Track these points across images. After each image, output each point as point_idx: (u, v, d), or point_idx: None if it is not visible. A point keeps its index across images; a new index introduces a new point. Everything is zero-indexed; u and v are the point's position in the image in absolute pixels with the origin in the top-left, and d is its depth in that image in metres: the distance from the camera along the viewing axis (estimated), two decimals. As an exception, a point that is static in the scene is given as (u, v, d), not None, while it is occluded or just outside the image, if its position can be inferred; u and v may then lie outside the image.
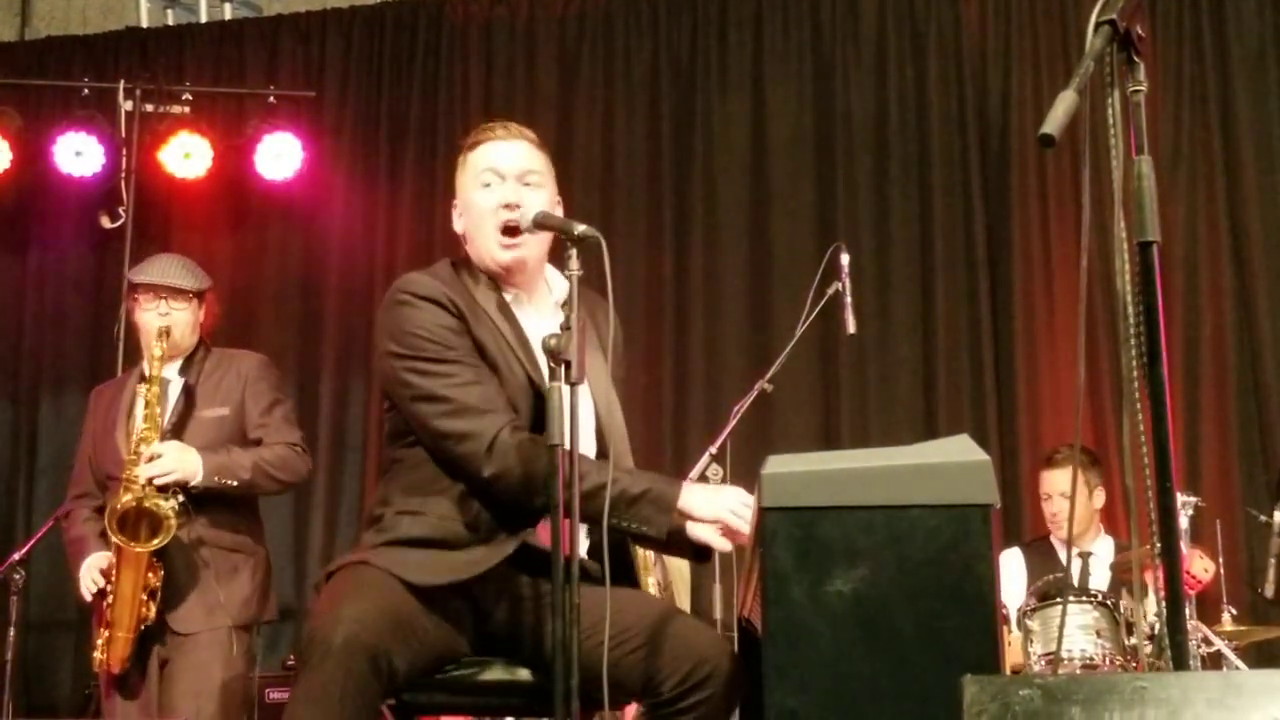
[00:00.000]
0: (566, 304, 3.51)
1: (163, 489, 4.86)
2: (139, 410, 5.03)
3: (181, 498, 4.90)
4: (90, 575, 5.01)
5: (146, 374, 5.04)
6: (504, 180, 3.48)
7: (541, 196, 3.50)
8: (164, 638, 4.96)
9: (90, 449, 5.26)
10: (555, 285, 3.59)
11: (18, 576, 6.54)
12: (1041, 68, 7.94)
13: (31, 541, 6.68)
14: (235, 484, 5.01)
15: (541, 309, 3.57)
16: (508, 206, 3.44)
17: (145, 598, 4.85)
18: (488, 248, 3.47)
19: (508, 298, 3.50)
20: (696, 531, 3.28)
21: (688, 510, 3.26)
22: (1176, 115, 7.77)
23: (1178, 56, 7.84)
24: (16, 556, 6.55)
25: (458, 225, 3.60)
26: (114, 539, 4.82)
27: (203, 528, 5.03)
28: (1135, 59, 2.69)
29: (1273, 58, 7.77)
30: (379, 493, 3.49)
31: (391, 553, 3.26)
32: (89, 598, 5.01)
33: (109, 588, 4.89)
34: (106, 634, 4.87)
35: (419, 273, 3.50)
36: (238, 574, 5.10)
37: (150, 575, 4.86)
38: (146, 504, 4.81)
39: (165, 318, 5.15)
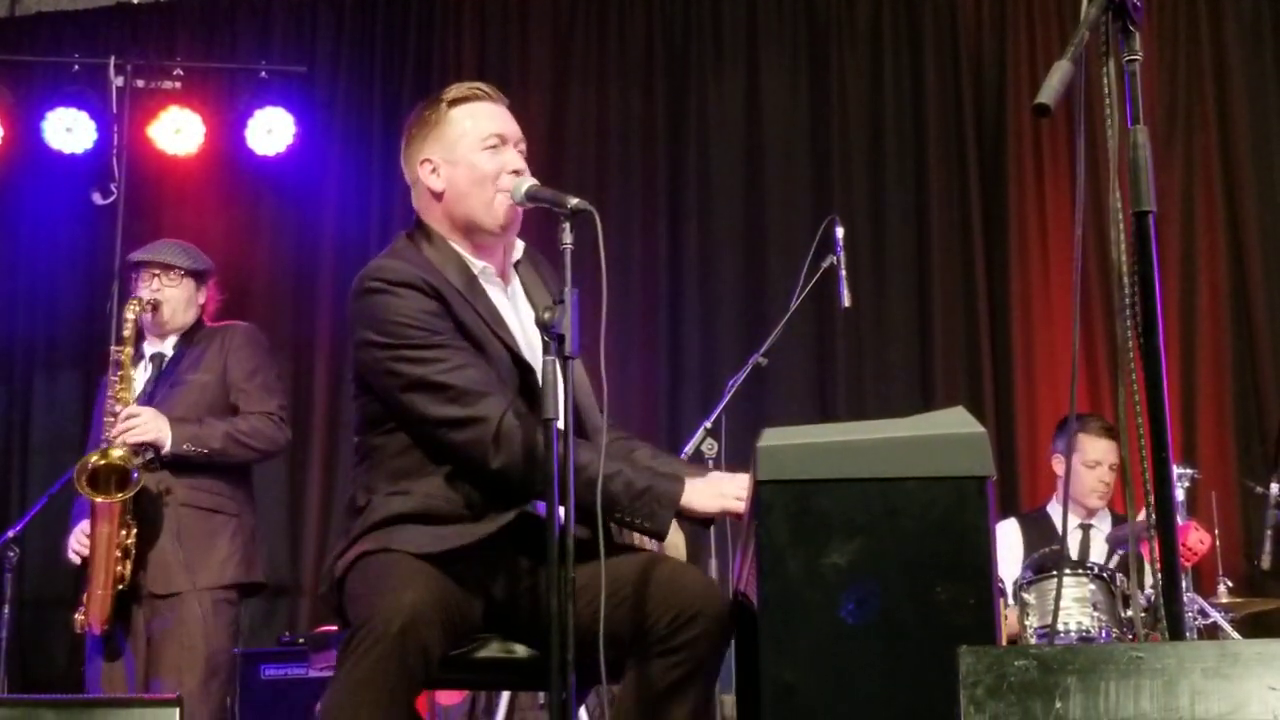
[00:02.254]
0: (520, 263, 3.52)
1: (136, 451, 5.02)
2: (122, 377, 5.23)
3: (150, 455, 5.05)
4: (74, 539, 5.15)
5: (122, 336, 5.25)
6: (507, 145, 3.48)
7: (526, 167, 3.52)
8: (143, 600, 5.08)
9: (95, 428, 5.36)
10: (514, 253, 3.61)
11: (12, 554, 6.52)
12: (1037, 37, 7.93)
13: (26, 518, 6.66)
14: (205, 451, 5.15)
15: (508, 275, 3.57)
16: (516, 173, 3.44)
17: (119, 554, 4.99)
18: (489, 208, 3.45)
19: (475, 270, 3.48)
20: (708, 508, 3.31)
21: (689, 508, 3.27)
22: (1172, 85, 7.77)
23: (1173, 25, 7.82)
24: (11, 534, 6.54)
25: (434, 183, 3.53)
26: (81, 491, 4.99)
27: (179, 489, 5.17)
28: (1131, 28, 2.68)
29: (1268, 27, 7.76)
30: (359, 481, 3.45)
31: (402, 532, 3.22)
32: (75, 560, 5.15)
33: (86, 547, 5.05)
34: (86, 594, 5.02)
35: (385, 258, 3.47)
36: (215, 536, 5.21)
37: (123, 533, 5.00)
38: (114, 459, 4.98)
39: (156, 293, 5.36)
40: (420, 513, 3.27)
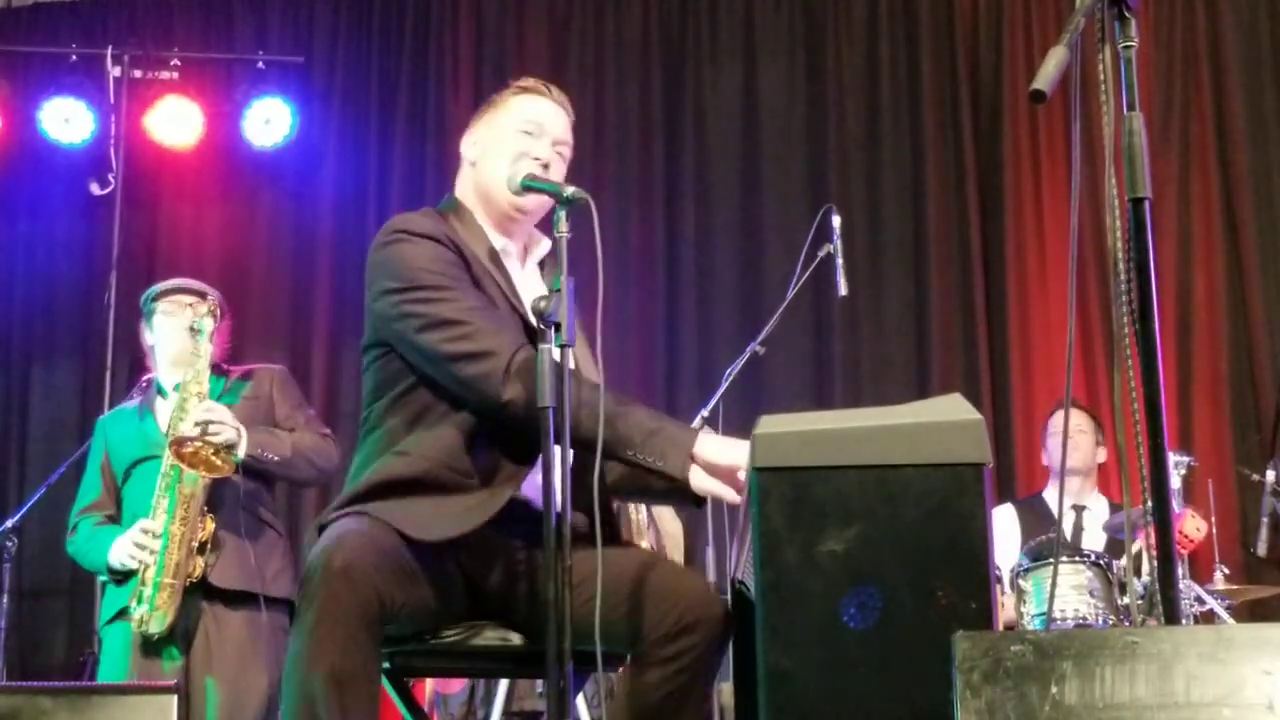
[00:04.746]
0: (544, 262, 3.53)
1: (216, 448, 4.76)
2: (187, 373, 4.97)
3: (242, 454, 4.82)
4: (131, 540, 4.82)
5: (189, 378, 4.94)
6: (543, 136, 3.49)
7: (563, 169, 3.53)
8: (204, 597, 4.86)
9: (107, 468, 5.14)
10: (539, 247, 3.61)
11: (10, 544, 6.54)
12: (1033, 25, 7.95)
13: (24, 508, 6.68)
14: (276, 459, 4.94)
15: (527, 263, 3.58)
16: (538, 160, 3.45)
17: (194, 549, 4.77)
18: (504, 179, 3.46)
19: (497, 245, 3.49)
20: (706, 485, 3.25)
21: (704, 456, 3.19)
22: (1169, 71, 7.78)
23: (1169, 11, 7.84)
24: (9, 523, 6.56)
25: (470, 150, 3.57)
26: (176, 460, 4.70)
27: (245, 494, 4.93)
28: (1127, 14, 2.68)
29: (1264, 12, 7.78)
30: (366, 449, 3.42)
31: (384, 503, 3.20)
32: (132, 565, 4.81)
33: (154, 544, 4.76)
34: (151, 587, 4.74)
35: (409, 214, 3.48)
36: (273, 547, 5.06)
37: (200, 526, 4.79)
38: (206, 451, 4.72)
39: (200, 317, 5.03)
40: (416, 478, 3.25)
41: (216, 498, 4.91)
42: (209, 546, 4.82)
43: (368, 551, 2.98)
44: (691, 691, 3.18)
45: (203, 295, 5.17)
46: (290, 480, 5.25)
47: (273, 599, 5.01)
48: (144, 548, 4.80)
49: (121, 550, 4.88)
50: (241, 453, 4.83)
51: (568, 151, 3.56)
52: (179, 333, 5.07)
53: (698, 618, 3.16)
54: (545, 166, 3.45)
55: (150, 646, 4.83)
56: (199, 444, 4.73)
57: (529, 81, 3.62)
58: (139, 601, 4.79)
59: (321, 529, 3.25)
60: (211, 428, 4.77)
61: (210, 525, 4.84)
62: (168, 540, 4.78)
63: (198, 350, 4.96)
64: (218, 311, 5.08)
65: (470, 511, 3.23)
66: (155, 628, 4.77)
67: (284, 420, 5.15)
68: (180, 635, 4.85)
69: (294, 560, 5.18)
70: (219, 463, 4.73)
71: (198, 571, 4.80)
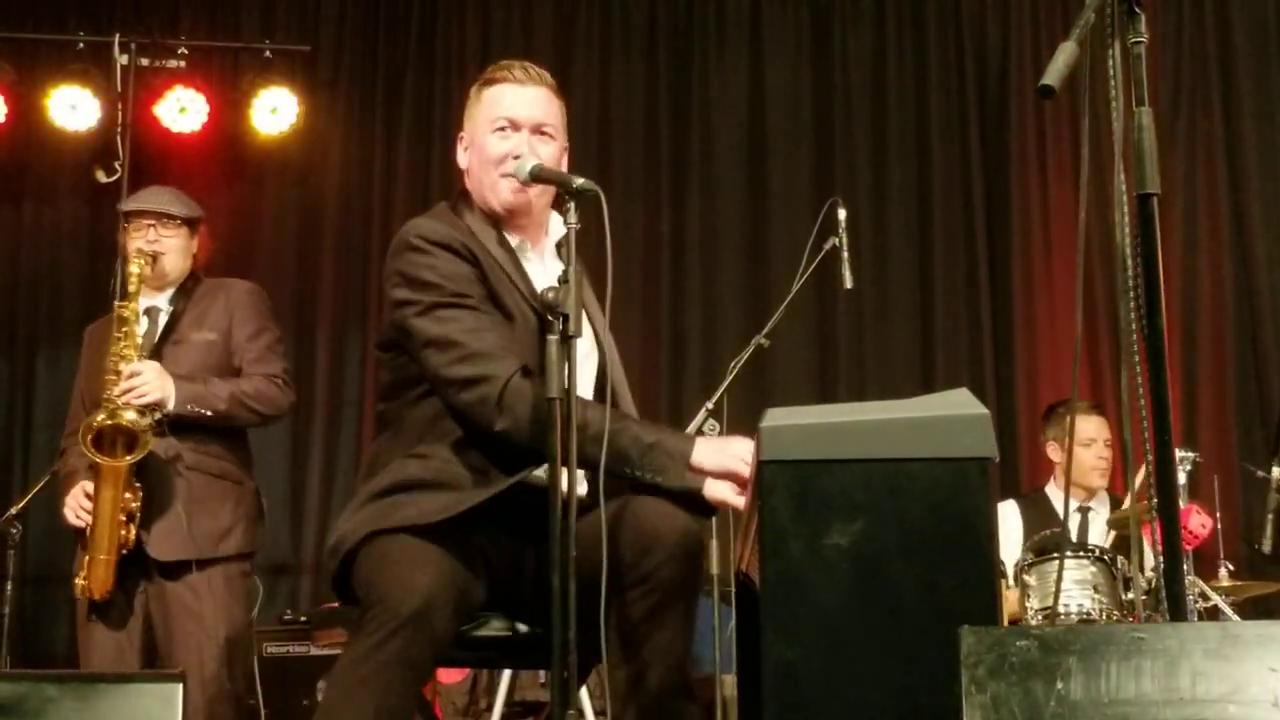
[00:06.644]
0: (561, 244, 3.51)
1: (140, 409, 4.80)
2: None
3: (159, 415, 4.83)
4: (76, 501, 4.88)
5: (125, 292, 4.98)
6: (518, 130, 3.48)
7: (552, 149, 3.50)
8: (147, 568, 4.88)
9: (84, 386, 5.16)
10: (554, 229, 3.59)
11: (14, 530, 6.54)
12: (1040, 19, 7.94)
13: (29, 496, 6.68)
14: (210, 414, 4.94)
15: (543, 253, 3.57)
16: (518, 158, 3.43)
17: (124, 519, 4.78)
18: (493, 190, 3.47)
19: (512, 242, 3.49)
20: (714, 491, 3.27)
21: (699, 464, 3.25)
22: (1177, 67, 7.77)
23: (1178, 7, 7.83)
24: (13, 510, 6.55)
25: (462, 159, 3.59)
26: (87, 454, 4.75)
27: (186, 452, 4.95)
28: (1136, 10, 2.68)
29: (1273, 9, 7.76)
30: (383, 446, 3.44)
31: (408, 503, 3.23)
32: (76, 524, 4.88)
33: (89, 512, 4.81)
34: (87, 559, 4.80)
35: (425, 218, 3.49)
36: (221, 503, 5.01)
37: (128, 495, 4.79)
38: (121, 421, 4.76)
39: (154, 244, 5.10)
40: (434, 480, 3.28)
41: (152, 464, 4.88)
42: (137, 516, 4.82)
43: (439, 594, 3.03)
44: (667, 610, 3.18)
45: (166, 216, 5.17)
46: (233, 427, 5.13)
47: (237, 555, 5.05)
48: (82, 507, 4.86)
49: (68, 507, 4.95)
50: (170, 408, 4.86)
51: (554, 129, 3.54)
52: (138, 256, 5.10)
53: (656, 537, 3.17)
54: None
55: (113, 617, 4.88)
56: (111, 419, 4.77)
57: (493, 70, 3.59)
58: (80, 567, 4.85)
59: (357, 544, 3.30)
60: (135, 391, 4.80)
61: (138, 495, 4.83)
62: (99, 512, 4.79)
63: (127, 309, 4.96)
64: (151, 259, 5.07)
65: (479, 492, 3.25)
66: (96, 596, 4.82)
67: (238, 357, 5.12)
68: (121, 604, 4.88)
69: (255, 506, 5.17)
70: (137, 430, 4.75)
71: (131, 540, 4.82)
